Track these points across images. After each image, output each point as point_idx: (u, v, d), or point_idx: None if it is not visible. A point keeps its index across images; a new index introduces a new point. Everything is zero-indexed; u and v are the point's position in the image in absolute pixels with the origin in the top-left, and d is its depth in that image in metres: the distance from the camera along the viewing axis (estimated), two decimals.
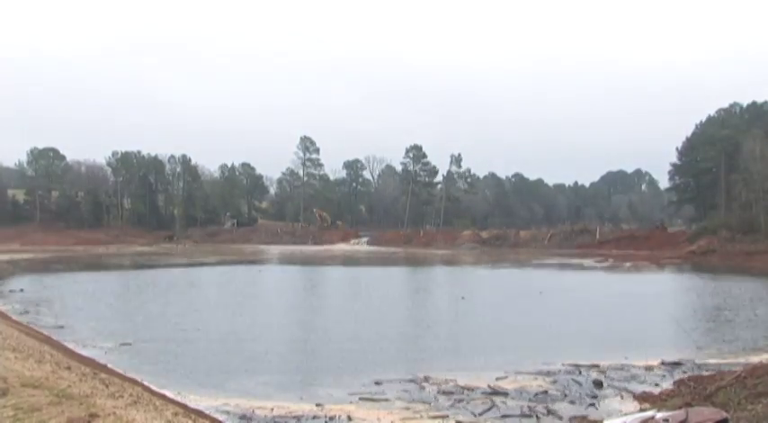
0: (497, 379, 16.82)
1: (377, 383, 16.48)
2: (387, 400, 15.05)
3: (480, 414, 13.95)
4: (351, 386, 16.17)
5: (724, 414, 10.82)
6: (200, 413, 12.71)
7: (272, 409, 13.89)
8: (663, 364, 18.86)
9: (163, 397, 13.77)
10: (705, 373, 16.62)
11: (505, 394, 15.43)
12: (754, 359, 18.57)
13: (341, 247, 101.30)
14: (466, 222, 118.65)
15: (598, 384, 16.38)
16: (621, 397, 15.24)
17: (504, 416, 13.80)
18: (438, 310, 34.19)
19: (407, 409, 14.23)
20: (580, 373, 17.63)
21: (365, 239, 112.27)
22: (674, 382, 16.11)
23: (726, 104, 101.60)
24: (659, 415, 11.71)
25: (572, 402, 14.82)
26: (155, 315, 29.24)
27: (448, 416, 13.74)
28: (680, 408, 12.40)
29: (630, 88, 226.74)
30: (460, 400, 14.96)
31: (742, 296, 37.12)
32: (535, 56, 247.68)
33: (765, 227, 76.80)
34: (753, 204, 79.51)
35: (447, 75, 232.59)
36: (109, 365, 17.58)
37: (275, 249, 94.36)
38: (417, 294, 41.83)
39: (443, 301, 37.94)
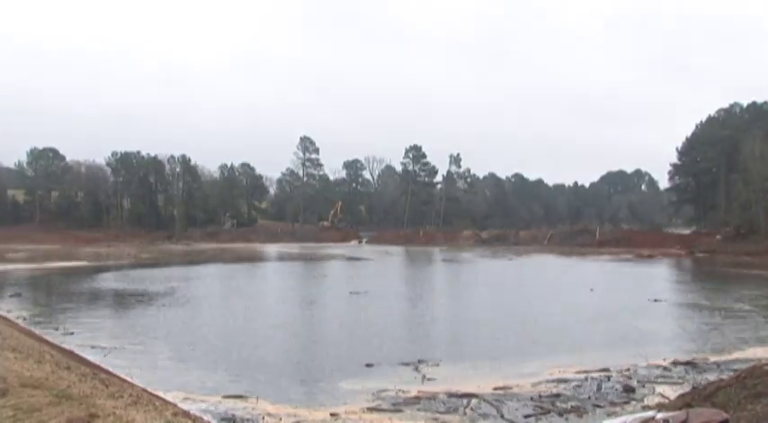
0: (495, 388, 16.15)
1: (401, 391, 15.74)
2: (410, 409, 14.20)
3: None
4: (368, 393, 15.61)
5: (725, 415, 10.79)
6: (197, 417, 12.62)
7: (281, 419, 13.43)
8: (675, 363, 18.77)
9: (162, 399, 13.72)
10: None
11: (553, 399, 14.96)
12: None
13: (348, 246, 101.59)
14: (466, 222, 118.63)
15: (629, 390, 15.91)
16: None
17: None
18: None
19: (434, 419, 13.43)
20: (609, 379, 17.08)
21: (365, 239, 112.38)
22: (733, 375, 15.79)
23: (726, 104, 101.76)
24: (660, 415, 11.68)
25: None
26: (154, 318, 29.15)
27: None
28: (680, 408, 12.39)
29: (630, 87, 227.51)
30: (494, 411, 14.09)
31: (741, 294, 37.19)
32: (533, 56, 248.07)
33: (765, 227, 76.86)
34: (752, 204, 79.55)
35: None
36: (108, 367, 17.54)
37: (275, 248, 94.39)
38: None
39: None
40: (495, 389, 15.84)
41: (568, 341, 22.98)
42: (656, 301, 33.82)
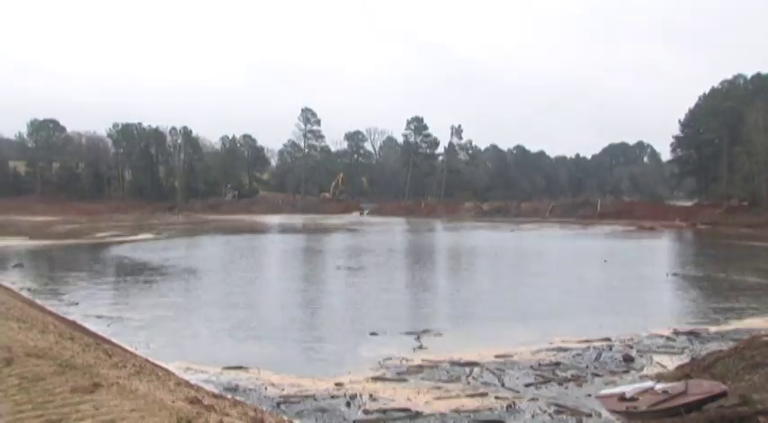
0: (496, 356, 16.11)
1: (405, 360, 15.72)
2: (414, 378, 14.17)
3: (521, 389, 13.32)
4: (372, 362, 15.55)
5: (723, 387, 10.89)
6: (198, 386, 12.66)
7: (284, 389, 13.32)
8: (677, 333, 18.75)
9: (164, 369, 13.81)
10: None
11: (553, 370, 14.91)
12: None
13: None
14: (467, 194, 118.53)
15: (629, 359, 15.77)
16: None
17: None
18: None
19: (437, 388, 13.38)
20: (611, 349, 16.96)
21: (366, 211, 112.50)
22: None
23: (730, 76, 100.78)
24: (658, 386, 11.80)
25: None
26: (157, 289, 29.20)
27: (486, 393, 12.92)
28: (679, 379, 12.49)
29: (635, 59, 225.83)
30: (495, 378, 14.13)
31: (752, 266, 37.32)
32: (535, 28, 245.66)
33: (767, 199, 76.74)
34: (755, 176, 79.31)
35: (450, 48, 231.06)
36: (112, 338, 17.65)
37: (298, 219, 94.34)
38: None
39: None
40: (497, 357, 15.89)
41: (573, 311, 22.97)
42: (674, 275, 33.58)
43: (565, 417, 11.59)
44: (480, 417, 11.61)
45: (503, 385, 13.62)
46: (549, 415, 11.67)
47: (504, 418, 11.55)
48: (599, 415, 11.63)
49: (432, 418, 11.52)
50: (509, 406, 12.09)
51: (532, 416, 11.64)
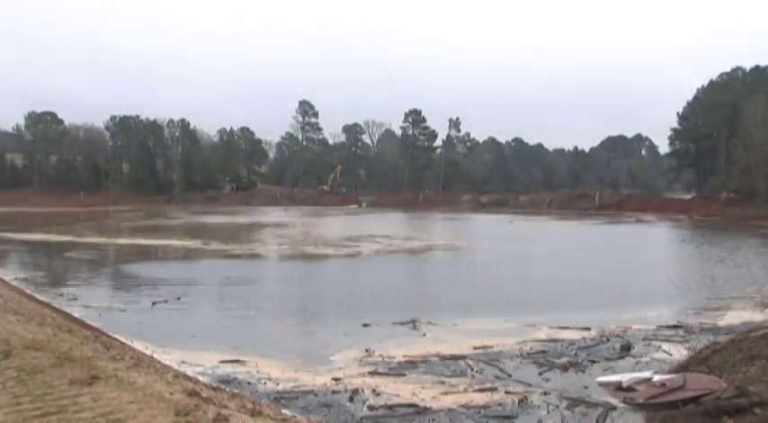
0: (475, 348, 15.82)
1: (387, 357, 15.21)
2: (415, 372, 13.87)
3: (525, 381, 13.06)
4: (361, 356, 15.24)
5: (722, 384, 10.91)
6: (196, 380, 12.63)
7: (279, 384, 13.05)
8: (674, 324, 18.63)
9: (161, 362, 13.80)
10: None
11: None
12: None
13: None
14: (465, 187, 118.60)
15: (625, 348, 15.60)
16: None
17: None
18: None
19: (442, 383, 13.06)
20: (607, 340, 16.73)
21: (364, 203, 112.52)
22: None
23: (728, 68, 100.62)
24: (656, 377, 11.82)
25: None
26: (151, 280, 29.10)
27: (496, 388, 12.59)
28: (677, 371, 12.51)
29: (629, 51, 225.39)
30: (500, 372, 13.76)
31: (738, 255, 37.39)
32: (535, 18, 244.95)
33: (765, 192, 76.77)
34: (753, 169, 79.30)
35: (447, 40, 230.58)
36: (109, 330, 17.62)
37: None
38: None
39: None
40: (476, 348, 15.70)
41: (567, 301, 22.95)
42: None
43: (584, 409, 11.34)
44: (491, 413, 11.33)
45: (509, 376, 13.37)
46: (566, 409, 11.40)
47: (515, 414, 11.27)
48: (618, 408, 11.35)
49: (441, 413, 11.22)
50: (521, 401, 11.78)
51: (547, 411, 11.32)
